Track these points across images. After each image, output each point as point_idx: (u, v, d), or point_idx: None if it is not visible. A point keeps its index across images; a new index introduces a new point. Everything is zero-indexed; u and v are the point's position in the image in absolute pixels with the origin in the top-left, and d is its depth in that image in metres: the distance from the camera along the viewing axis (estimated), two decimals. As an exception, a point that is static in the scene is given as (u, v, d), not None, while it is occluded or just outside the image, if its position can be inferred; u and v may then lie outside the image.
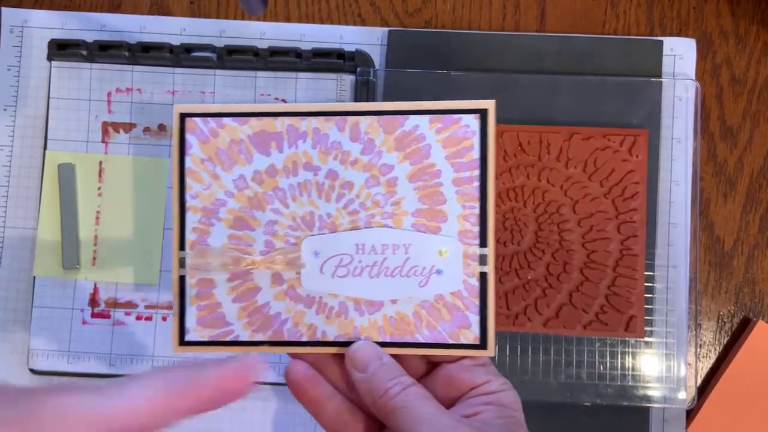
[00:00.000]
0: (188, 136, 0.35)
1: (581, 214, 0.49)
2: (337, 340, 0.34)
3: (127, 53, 0.50)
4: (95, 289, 0.50)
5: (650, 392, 0.48)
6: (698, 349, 0.50)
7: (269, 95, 0.51)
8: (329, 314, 0.35)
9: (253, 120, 0.35)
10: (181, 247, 0.35)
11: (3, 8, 0.52)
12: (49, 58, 0.51)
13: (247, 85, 0.50)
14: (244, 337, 0.35)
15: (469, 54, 0.50)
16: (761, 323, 0.49)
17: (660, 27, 0.52)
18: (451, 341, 0.34)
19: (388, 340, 0.34)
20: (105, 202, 0.50)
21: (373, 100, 0.50)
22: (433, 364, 0.35)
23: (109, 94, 0.51)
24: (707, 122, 0.51)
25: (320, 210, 0.35)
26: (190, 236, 0.35)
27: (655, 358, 0.48)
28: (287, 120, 0.35)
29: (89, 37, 0.51)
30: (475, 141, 0.34)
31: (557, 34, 0.51)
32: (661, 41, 0.50)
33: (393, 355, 0.34)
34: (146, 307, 0.50)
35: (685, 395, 0.48)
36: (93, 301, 0.50)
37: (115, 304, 0.50)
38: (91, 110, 0.51)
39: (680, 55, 0.51)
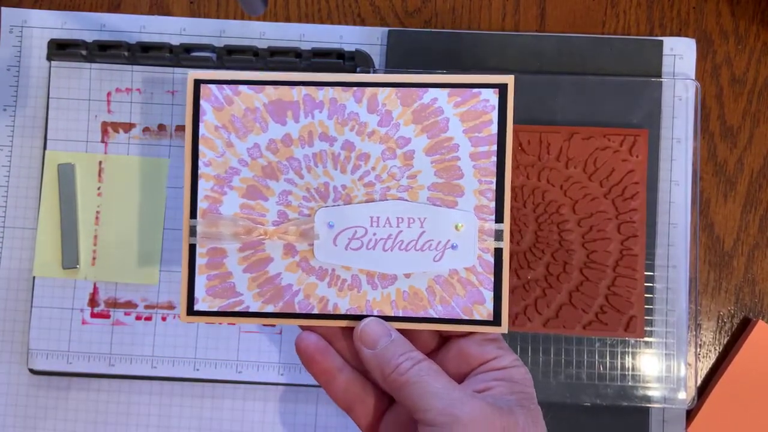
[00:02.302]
0: (202, 103, 0.34)
1: (581, 214, 0.49)
2: (348, 313, 0.34)
3: (126, 53, 0.50)
4: (95, 289, 0.50)
5: (650, 392, 0.48)
6: (698, 349, 0.50)
7: (269, 95, 0.51)
8: (342, 287, 0.34)
9: (269, 88, 0.34)
10: (192, 215, 0.34)
11: (3, 8, 0.52)
12: (49, 58, 0.51)
13: (247, 85, 0.50)
14: (254, 308, 0.34)
15: (468, 54, 0.50)
16: (761, 323, 0.49)
17: (660, 27, 0.52)
18: (464, 317, 0.34)
19: (401, 315, 0.34)
20: (105, 202, 0.50)
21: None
22: (443, 339, 0.35)
23: (108, 94, 0.51)
24: (707, 122, 0.51)
25: (335, 181, 0.34)
26: (201, 204, 0.34)
27: (655, 358, 0.48)
28: (304, 89, 0.34)
29: (89, 37, 0.51)
30: (494, 116, 0.34)
31: (557, 34, 0.51)
32: (661, 41, 0.50)
33: (404, 330, 0.34)
34: (146, 307, 0.50)
35: (685, 395, 0.48)
36: (92, 301, 0.50)
37: (114, 304, 0.50)
38: (90, 110, 0.51)
39: (680, 55, 0.51)
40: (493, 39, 0.51)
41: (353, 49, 0.50)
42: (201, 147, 0.34)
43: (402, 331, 0.34)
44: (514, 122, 0.50)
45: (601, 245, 0.49)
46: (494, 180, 0.34)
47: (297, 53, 0.49)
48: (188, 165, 0.34)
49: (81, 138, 0.51)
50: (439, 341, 0.35)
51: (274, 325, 0.49)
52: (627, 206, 0.49)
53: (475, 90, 0.34)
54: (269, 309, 0.34)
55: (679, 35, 0.51)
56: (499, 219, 0.34)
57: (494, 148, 0.34)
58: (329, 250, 0.34)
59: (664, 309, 0.49)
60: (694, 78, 0.50)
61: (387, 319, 0.34)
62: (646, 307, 0.48)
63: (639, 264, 0.48)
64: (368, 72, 0.49)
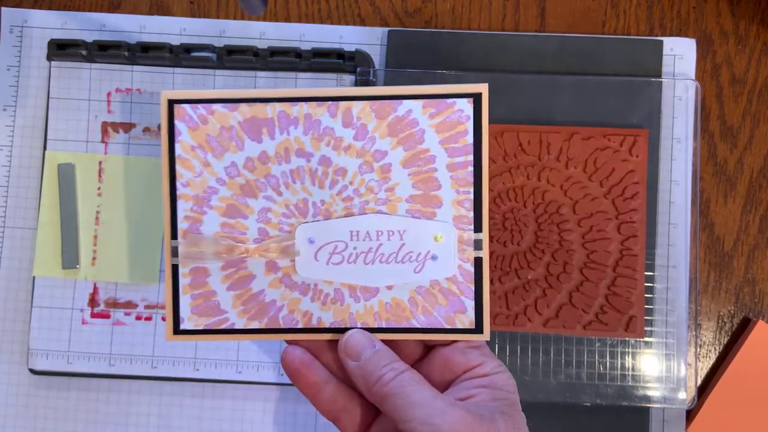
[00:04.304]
0: (177, 123, 0.34)
1: (581, 214, 0.49)
2: (333, 326, 0.35)
3: (126, 53, 0.50)
4: (95, 289, 0.50)
5: (650, 392, 0.48)
6: (698, 349, 0.50)
7: (269, 95, 0.51)
8: (325, 301, 0.35)
9: (243, 106, 0.34)
10: (174, 236, 0.35)
11: (3, 8, 0.52)
12: (49, 58, 0.51)
13: (247, 85, 0.50)
14: (239, 325, 0.35)
15: (469, 54, 0.50)
16: (761, 323, 0.49)
17: (660, 27, 0.52)
18: (447, 326, 0.34)
19: (384, 326, 0.34)
20: (105, 202, 0.50)
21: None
22: (428, 348, 0.35)
23: (108, 94, 0.51)
24: (707, 122, 0.51)
25: (314, 197, 0.34)
26: (182, 225, 0.35)
27: (655, 358, 0.48)
28: (278, 106, 0.34)
29: (89, 37, 0.51)
30: (469, 126, 0.34)
31: (557, 34, 0.51)
32: (661, 41, 0.50)
33: (389, 341, 0.34)
34: (146, 307, 0.50)
35: (685, 395, 0.48)
36: (93, 301, 0.50)
37: (114, 304, 0.50)
38: (90, 110, 0.51)
39: (680, 55, 0.51)
40: (493, 39, 0.51)
41: (353, 49, 0.50)
42: (178, 168, 0.35)
43: (386, 342, 0.34)
44: (515, 122, 0.50)
45: (601, 245, 0.49)
46: (472, 190, 0.34)
47: (297, 53, 0.49)
48: (166, 186, 0.35)
49: (81, 138, 0.51)
50: (424, 350, 0.36)
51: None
52: (627, 206, 0.49)
53: (450, 100, 0.34)
54: (254, 325, 0.35)
55: (679, 35, 0.51)
56: (477, 228, 0.34)
57: (470, 158, 0.34)
58: (311, 266, 0.34)
59: (664, 309, 0.49)
60: (694, 78, 0.50)
61: (370, 330, 0.34)
62: (646, 307, 0.48)
63: (639, 264, 0.48)
64: (368, 72, 0.49)
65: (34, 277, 0.50)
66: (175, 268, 0.35)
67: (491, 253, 0.49)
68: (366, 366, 0.33)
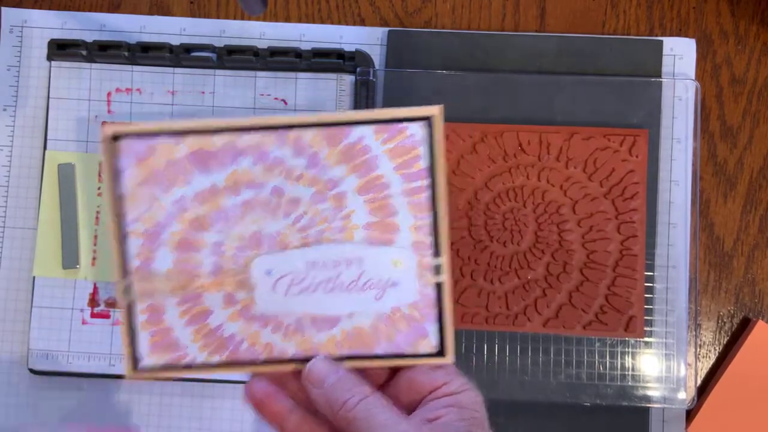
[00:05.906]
0: (122, 159, 0.33)
1: (581, 214, 0.49)
2: (295, 357, 0.34)
3: (126, 53, 0.50)
4: (95, 289, 0.50)
5: (650, 392, 0.48)
6: (698, 349, 0.50)
7: (269, 95, 0.51)
8: (286, 332, 0.34)
9: (189, 138, 0.33)
10: (126, 274, 0.33)
11: (3, 8, 0.52)
12: (49, 58, 0.51)
13: (247, 85, 0.50)
14: (200, 360, 0.34)
15: (469, 54, 0.50)
16: (761, 323, 0.49)
17: (660, 27, 0.52)
18: (409, 352, 0.34)
19: (346, 354, 0.34)
20: (105, 202, 0.50)
21: (373, 100, 0.50)
22: (394, 370, 0.35)
23: (108, 94, 0.51)
24: (707, 122, 0.51)
25: (268, 228, 0.33)
26: (134, 262, 0.33)
27: (654, 358, 0.48)
28: (225, 136, 0.33)
29: (89, 37, 0.51)
30: (423, 150, 0.33)
31: (557, 34, 0.51)
32: (661, 41, 0.50)
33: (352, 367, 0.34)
34: (146, 307, 0.50)
35: (685, 395, 0.48)
36: (93, 301, 0.50)
37: (114, 304, 0.50)
38: (90, 110, 0.51)
39: (680, 55, 0.51)
40: (493, 39, 0.51)
41: (353, 49, 0.50)
42: (126, 204, 0.33)
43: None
44: (515, 122, 0.50)
45: (601, 245, 0.49)
46: (430, 215, 0.33)
47: (297, 53, 0.49)
48: (113, 225, 0.33)
49: (81, 138, 0.51)
50: (389, 373, 0.35)
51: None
52: (627, 206, 0.49)
53: (402, 125, 0.33)
54: (215, 360, 0.34)
55: (679, 35, 0.51)
56: (437, 253, 0.33)
57: (426, 182, 0.33)
58: (269, 298, 0.33)
59: (664, 309, 0.49)
60: (694, 78, 0.50)
61: (333, 359, 0.34)
62: (646, 307, 0.48)
63: (639, 264, 0.48)
64: (368, 72, 0.49)
65: (34, 277, 0.50)
66: (129, 306, 0.34)
67: (491, 253, 0.49)
68: (330, 392, 0.32)
